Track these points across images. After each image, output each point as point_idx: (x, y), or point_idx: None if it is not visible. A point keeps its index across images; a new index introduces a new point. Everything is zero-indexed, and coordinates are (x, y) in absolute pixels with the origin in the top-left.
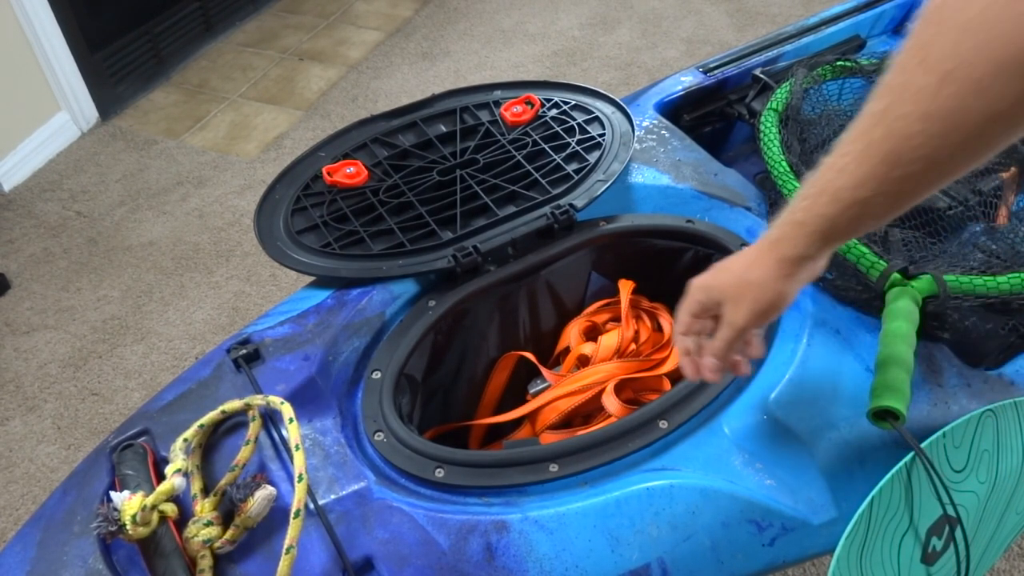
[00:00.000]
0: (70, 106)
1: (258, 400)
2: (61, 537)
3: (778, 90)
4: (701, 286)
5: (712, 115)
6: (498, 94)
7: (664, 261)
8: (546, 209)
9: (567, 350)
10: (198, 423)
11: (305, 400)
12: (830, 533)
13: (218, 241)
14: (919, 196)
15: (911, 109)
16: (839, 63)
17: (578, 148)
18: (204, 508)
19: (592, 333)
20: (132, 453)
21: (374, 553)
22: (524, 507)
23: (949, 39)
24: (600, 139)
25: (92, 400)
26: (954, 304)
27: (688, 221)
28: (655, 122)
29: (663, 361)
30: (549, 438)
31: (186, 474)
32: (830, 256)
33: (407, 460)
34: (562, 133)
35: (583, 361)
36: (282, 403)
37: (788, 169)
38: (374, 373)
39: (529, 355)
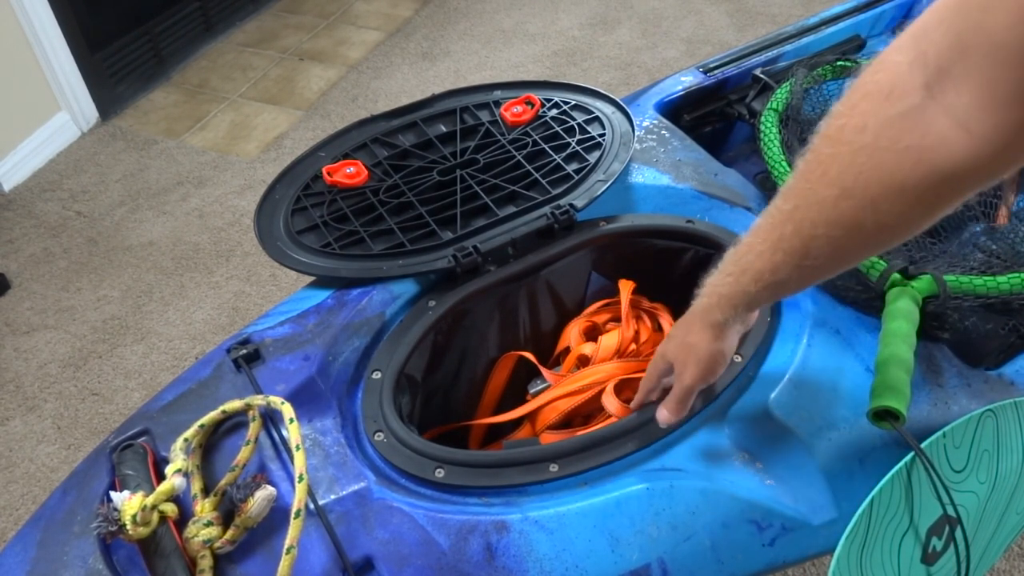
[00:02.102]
0: (70, 106)
1: (258, 400)
2: (61, 537)
3: (778, 90)
4: (657, 354)
5: (712, 115)
6: (498, 94)
7: (664, 261)
8: (546, 209)
9: (567, 350)
10: (198, 423)
11: (305, 400)
12: (830, 533)
13: (218, 241)
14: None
15: (815, 216)
16: (839, 63)
17: (578, 148)
18: (204, 508)
19: (592, 333)
20: (132, 453)
21: (374, 553)
22: (524, 507)
23: (847, 160)
24: (600, 139)
25: (92, 400)
26: (954, 304)
27: (688, 221)
28: (655, 122)
29: None
30: (549, 438)
31: (186, 474)
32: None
33: (407, 460)
34: (562, 133)
35: (583, 361)
36: (282, 403)
37: (788, 169)
38: (374, 373)
39: (529, 355)
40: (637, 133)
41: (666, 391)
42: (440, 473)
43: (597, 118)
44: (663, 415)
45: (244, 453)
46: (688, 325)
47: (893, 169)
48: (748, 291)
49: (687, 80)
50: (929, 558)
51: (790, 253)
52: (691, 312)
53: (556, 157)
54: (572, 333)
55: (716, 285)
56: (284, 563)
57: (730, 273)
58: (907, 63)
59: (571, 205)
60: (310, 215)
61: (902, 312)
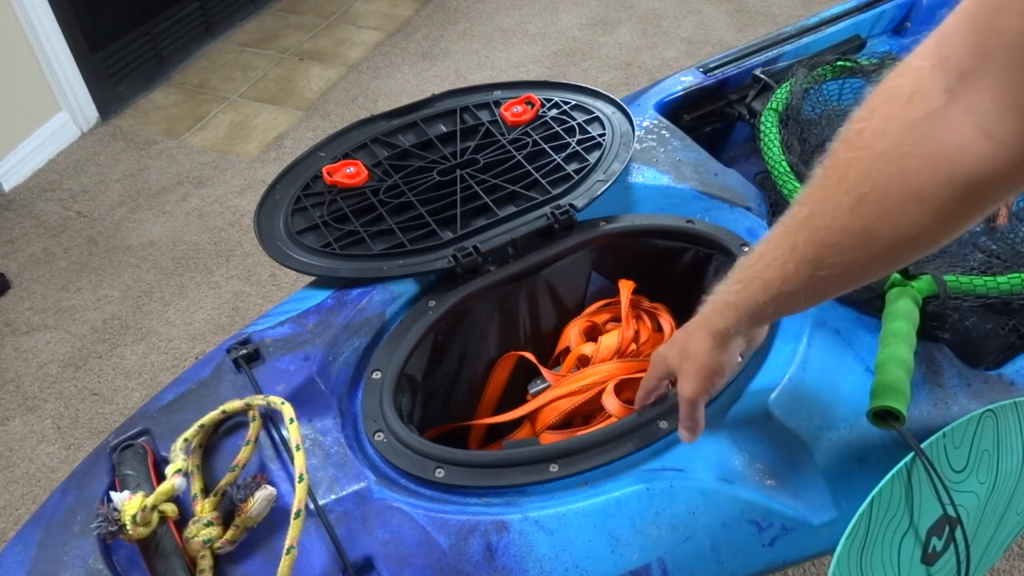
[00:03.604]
0: (70, 106)
1: (258, 400)
2: (61, 537)
3: (778, 90)
4: (657, 355)
5: (712, 115)
6: (498, 94)
7: (664, 261)
8: (546, 209)
9: (567, 350)
10: (198, 423)
11: (305, 400)
12: (830, 533)
13: (218, 241)
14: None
15: (830, 222)
16: (839, 63)
17: (578, 148)
18: (204, 508)
19: (592, 333)
20: (132, 453)
21: (374, 553)
22: (524, 507)
23: (865, 165)
24: (600, 139)
25: (92, 400)
26: (954, 304)
27: (688, 221)
28: (655, 122)
29: None
30: (549, 438)
31: (186, 474)
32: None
33: (407, 460)
34: (562, 133)
35: (583, 361)
36: (283, 403)
37: (788, 169)
38: (374, 373)
39: (529, 355)
40: (637, 133)
41: (666, 409)
42: (440, 473)
43: (597, 118)
44: (684, 436)
45: (244, 453)
46: (690, 333)
47: (912, 176)
48: (755, 300)
49: (687, 80)
50: (929, 558)
51: (802, 262)
52: (695, 319)
53: (556, 157)
54: (572, 333)
55: (723, 293)
56: (284, 563)
57: (738, 280)
58: (929, 67)
59: (571, 205)
60: (310, 215)
61: (902, 312)
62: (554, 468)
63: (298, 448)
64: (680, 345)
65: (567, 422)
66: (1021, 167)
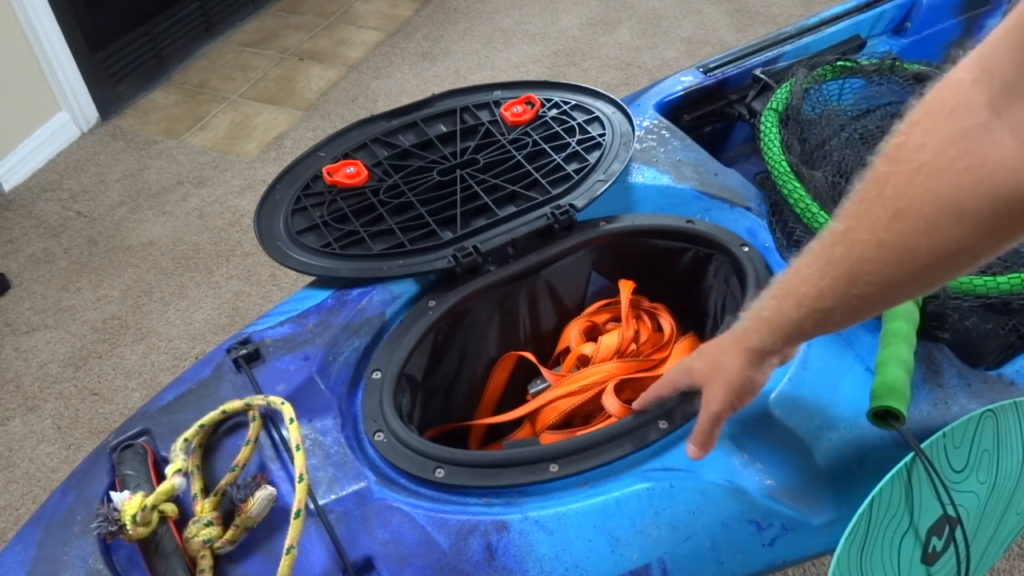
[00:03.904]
0: (70, 106)
1: (258, 400)
2: (61, 537)
3: (778, 90)
4: (681, 365)
5: (712, 115)
6: (498, 94)
7: (664, 261)
8: (546, 209)
9: (567, 350)
10: (198, 423)
11: (305, 400)
12: (830, 533)
13: (218, 241)
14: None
15: (867, 237)
16: (839, 63)
17: (578, 148)
18: (204, 508)
19: (592, 333)
20: (132, 453)
21: (374, 553)
22: (524, 507)
23: (903, 179)
24: (600, 139)
25: (92, 400)
26: (954, 304)
27: (688, 221)
28: (655, 122)
29: (663, 361)
30: (549, 438)
31: (186, 474)
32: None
33: (407, 460)
34: (562, 133)
35: (583, 361)
36: (283, 403)
37: (788, 169)
38: (374, 373)
39: (529, 355)
40: (637, 133)
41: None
42: (440, 473)
43: (597, 118)
44: (692, 451)
45: (244, 453)
46: (723, 348)
47: (952, 190)
48: (789, 316)
49: (687, 80)
50: (929, 558)
51: (838, 278)
52: (728, 333)
53: (556, 157)
54: (572, 333)
55: (758, 308)
56: (284, 563)
57: (774, 296)
58: (971, 80)
59: (571, 205)
60: (310, 215)
61: (902, 312)
62: (554, 468)
63: (298, 448)
64: (711, 358)
65: (567, 422)
66: None
